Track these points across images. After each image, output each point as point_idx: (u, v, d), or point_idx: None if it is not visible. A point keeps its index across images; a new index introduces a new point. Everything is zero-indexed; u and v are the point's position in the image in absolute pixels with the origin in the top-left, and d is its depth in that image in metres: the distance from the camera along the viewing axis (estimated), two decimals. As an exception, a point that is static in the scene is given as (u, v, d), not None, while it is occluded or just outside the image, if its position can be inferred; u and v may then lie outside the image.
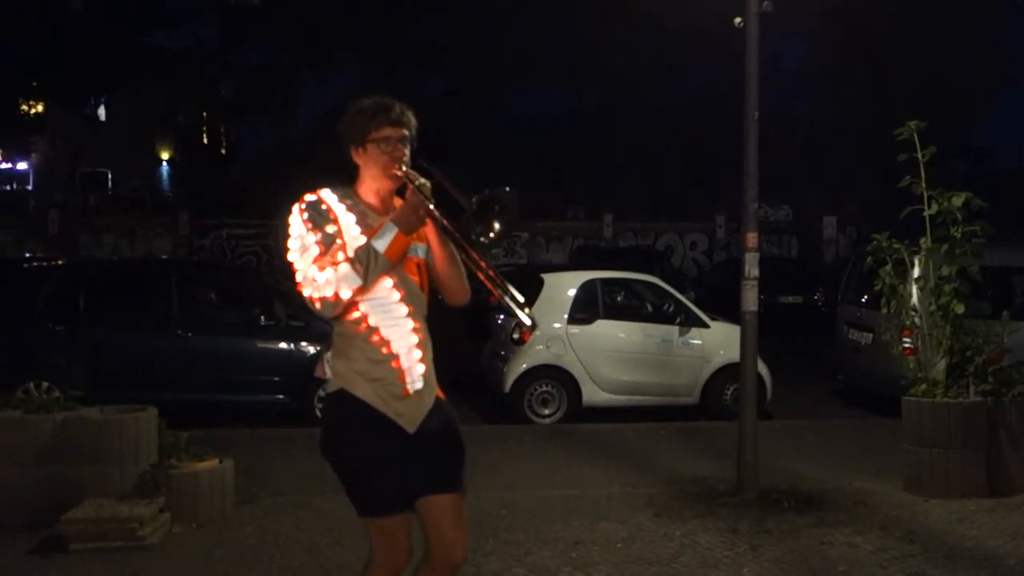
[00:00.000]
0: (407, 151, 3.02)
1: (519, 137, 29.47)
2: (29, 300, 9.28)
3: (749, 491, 6.08)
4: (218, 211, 25.21)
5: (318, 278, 2.86)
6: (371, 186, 3.05)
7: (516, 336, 9.44)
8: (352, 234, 2.95)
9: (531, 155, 28.74)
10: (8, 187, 33.29)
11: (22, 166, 33.41)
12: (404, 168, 2.98)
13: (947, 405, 6.20)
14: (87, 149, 30.52)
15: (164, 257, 22.93)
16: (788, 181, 23.37)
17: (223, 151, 31.57)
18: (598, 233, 25.83)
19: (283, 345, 9.11)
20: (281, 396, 9.04)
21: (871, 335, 9.63)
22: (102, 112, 30.99)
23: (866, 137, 21.13)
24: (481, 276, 3.03)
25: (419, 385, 3.03)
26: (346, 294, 2.88)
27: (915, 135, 6.52)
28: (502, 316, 10.28)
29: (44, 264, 12.38)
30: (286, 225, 2.99)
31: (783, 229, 26.66)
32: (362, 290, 2.90)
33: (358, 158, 3.03)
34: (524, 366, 9.33)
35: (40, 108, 26.78)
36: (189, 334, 9.08)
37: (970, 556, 5.04)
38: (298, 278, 2.91)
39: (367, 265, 2.86)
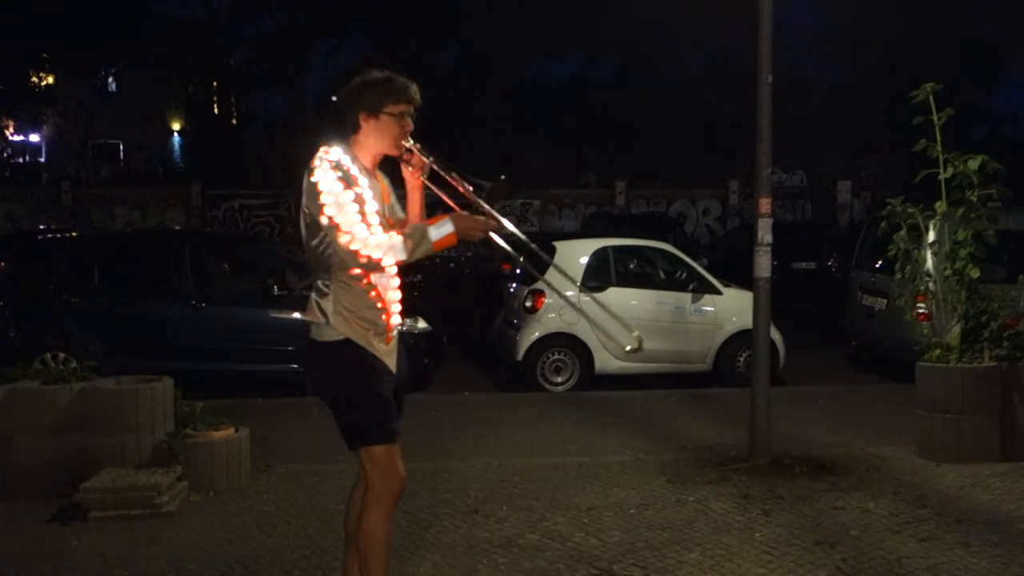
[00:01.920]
0: (412, 126, 3.38)
1: (532, 104, 29.30)
2: (44, 272, 9.35)
3: (761, 457, 6.09)
4: (230, 182, 25.24)
5: (370, 240, 3.20)
6: (371, 150, 3.37)
7: (528, 304, 9.45)
8: (367, 196, 3.26)
9: (544, 122, 28.59)
10: (21, 159, 33.40)
11: (34, 138, 33.48)
12: (411, 141, 3.35)
13: (961, 370, 6.18)
14: (98, 121, 30.53)
15: (177, 228, 23.03)
16: (802, 146, 23.13)
17: (234, 121, 31.54)
18: (611, 200, 25.75)
19: (296, 315, 9.11)
20: (295, 366, 9.09)
21: (885, 300, 9.60)
22: (112, 83, 30.96)
23: (882, 101, 20.85)
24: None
25: (395, 333, 3.46)
26: (388, 261, 3.26)
27: (931, 98, 6.43)
28: (514, 285, 10.29)
29: (58, 236, 12.46)
30: (310, 177, 3.22)
31: (797, 194, 26.47)
32: (402, 262, 3.28)
33: (366, 124, 3.34)
34: (537, 334, 9.35)
35: (51, 80, 26.77)
36: (203, 305, 9.13)
37: (983, 520, 5.04)
38: (344, 231, 3.17)
39: (416, 246, 3.24)
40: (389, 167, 3.51)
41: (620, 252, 10.07)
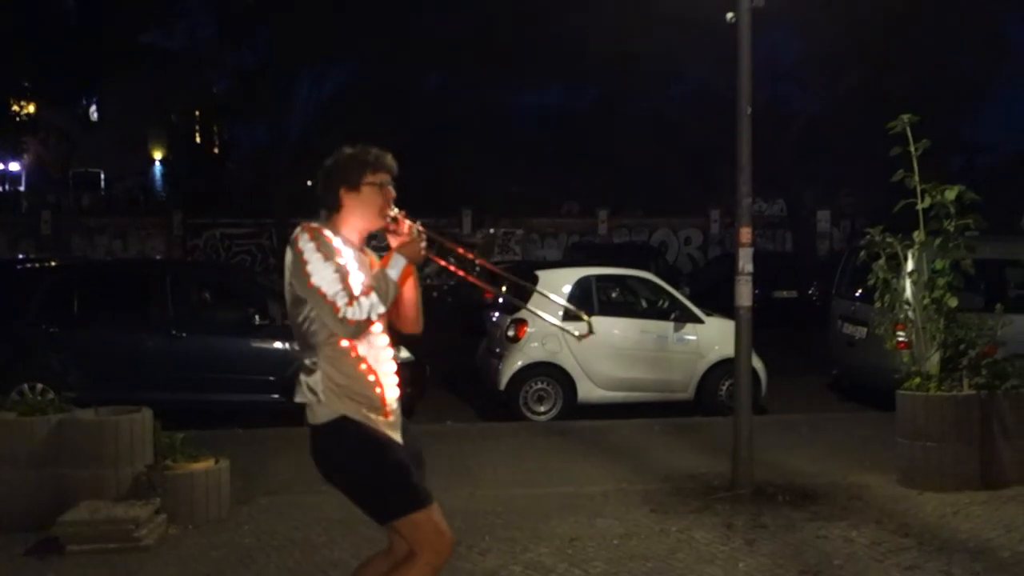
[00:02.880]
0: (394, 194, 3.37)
1: (514, 133, 29.44)
2: (23, 301, 9.26)
3: (744, 486, 6.09)
4: (211, 211, 25.17)
5: (354, 304, 3.10)
6: (356, 225, 3.31)
7: (511, 333, 9.44)
8: (352, 268, 3.19)
9: (526, 151, 28.73)
10: (0, 188, 33.20)
11: (14, 167, 33.30)
12: (396, 210, 3.33)
13: (941, 398, 6.22)
14: (80, 149, 30.44)
15: (158, 257, 22.92)
16: (782, 175, 23.37)
17: (216, 150, 31.51)
18: (593, 229, 25.87)
19: (278, 344, 9.09)
20: (276, 396, 9.02)
21: (865, 329, 9.66)
22: (94, 112, 30.90)
23: (861, 131, 21.13)
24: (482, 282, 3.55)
25: (395, 407, 3.30)
26: (375, 317, 3.15)
27: (908, 128, 6.53)
28: (497, 313, 10.29)
29: (37, 265, 12.36)
30: (296, 251, 3.17)
31: (777, 224, 26.69)
32: (382, 316, 3.19)
33: (348, 199, 3.28)
34: (519, 363, 9.34)
35: (32, 108, 26.69)
36: (183, 334, 9.07)
37: (964, 549, 5.06)
38: (330, 301, 3.09)
39: (387, 291, 3.17)
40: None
41: (603, 281, 10.10)
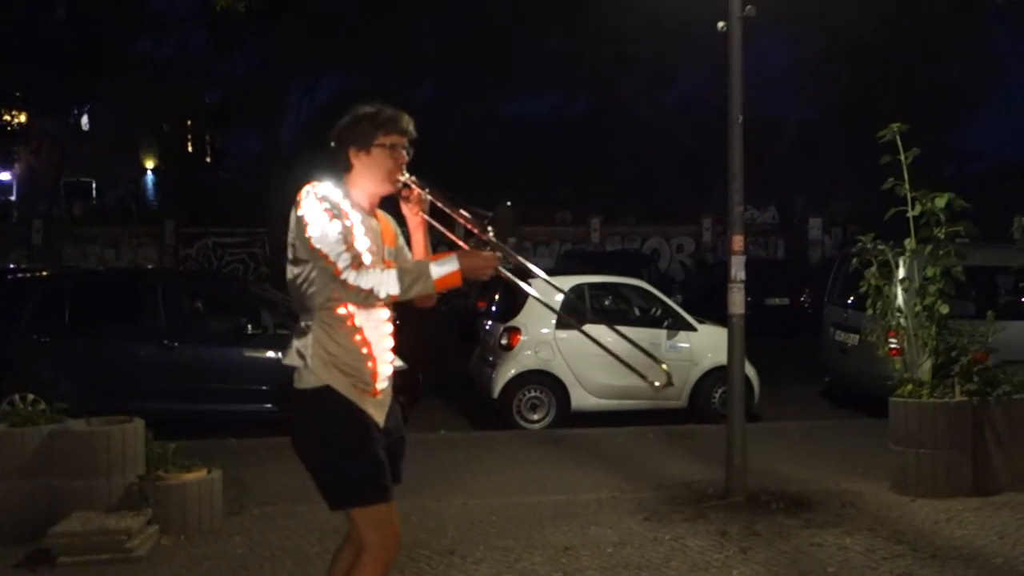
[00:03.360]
0: (407, 159, 3.17)
1: (506, 142, 29.51)
2: (14, 311, 9.22)
3: (738, 494, 6.09)
4: (204, 220, 25.12)
5: (361, 270, 2.96)
6: (366, 188, 3.15)
7: (504, 341, 9.44)
8: (359, 232, 3.05)
9: (518, 160, 28.78)
10: (-9, 197, 33.08)
11: (5, 176, 33.20)
12: (407, 174, 3.14)
13: (933, 405, 6.23)
14: (71, 158, 30.37)
15: (150, 267, 22.85)
16: (774, 183, 23.45)
17: (208, 159, 31.46)
18: (585, 237, 25.88)
19: (270, 354, 9.07)
20: (269, 405, 9.00)
21: (857, 336, 9.68)
22: (85, 121, 30.84)
23: (852, 139, 21.24)
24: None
25: (384, 385, 3.16)
26: (382, 295, 2.98)
27: (898, 137, 6.56)
28: (490, 322, 10.29)
29: (29, 275, 12.31)
30: (297, 211, 3.05)
31: (769, 231, 26.75)
32: (396, 299, 3.00)
33: (358, 160, 3.14)
34: (513, 371, 9.33)
35: (23, 118, 26.63)
36: (176, 344, 9.04)
37: (958, 556, 5.06)
38: (329, 259, 2.96)
39: (414, 283, 2.98)
40: (393, 208, 3.30)
41: (596, 289, 10.12)
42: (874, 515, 5.81)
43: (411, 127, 3.18)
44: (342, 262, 2.95)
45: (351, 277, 2.95)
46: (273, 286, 11.96)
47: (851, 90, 21.94)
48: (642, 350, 3.31)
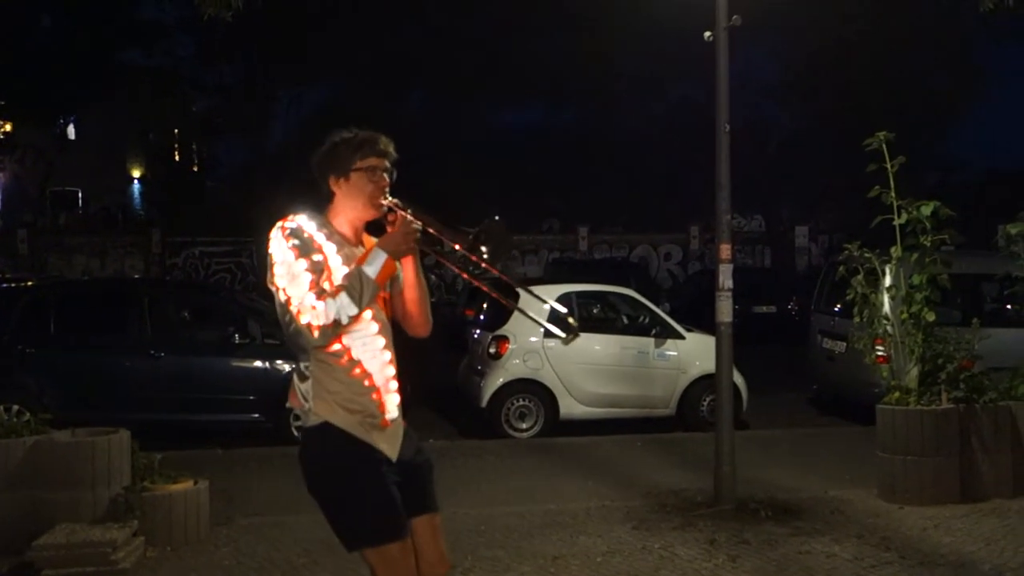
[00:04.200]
0: (388, 182, 3.06)
1: (494, 150, 29.54)
2: (-2, 322, 9.16)
3: (727, 502, 6.09)
4: (191, 229, 25.04)
5: (317, 306, 2.86)
6: (348, 216, 3.06)
7: (492, 350, 9.43)
8: (335, 263, 2.96)
9: (506, 168, 28.82)
10: (-24, 207, 32.84)
11: (-9, 185, 33.00)
12: (389, 198, 3.03)
13: (920, 412, 6.26)
14: (57, 167, 30.22)
15: (136, 276, 22.75)
16: (761, 191, 23.55)
17: (195, 169, 31.36)
18: (573, 246, 25.92)
19: (258, 363, 9.04)
20: (256, 415, 8.96)
21: (844, 344, 9.71)
22: (71, 130, 30.70)
23: (838, 148, 21.37)
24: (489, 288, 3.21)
25: (394, 415, 3.08)
26: (345, 321, 2.89)
27: (884, 146, 6.60)
28: (478, 331, 10.27)
29: (14, 285, 12.23)
30: (267, 250, 2.97)
31: (756, 239, 26.85)
32: (357, 317, 2.93)
33: (338, 188, 3.05)
34: (501, 380, 9.32)
35: (8, 127, 26.50)
36: (162, 354, 8.99)
37: (945, 562, 5.08)
38: (293, 306, 2.88)
39: (360, 291, 2.90)
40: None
41: (584, 297, 10.12)
42: (862, 522, 5.82)
43: (391, 148, 3.07)
44: (305, 304, 2.86)
45: (313, 319, 2.85)
46: (260, 296, 11.90)
47: (837, 99, 22.08)
48: (542, 299, 3.26)
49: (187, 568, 5.12)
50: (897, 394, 6.42)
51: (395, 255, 2.97)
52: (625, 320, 10.16)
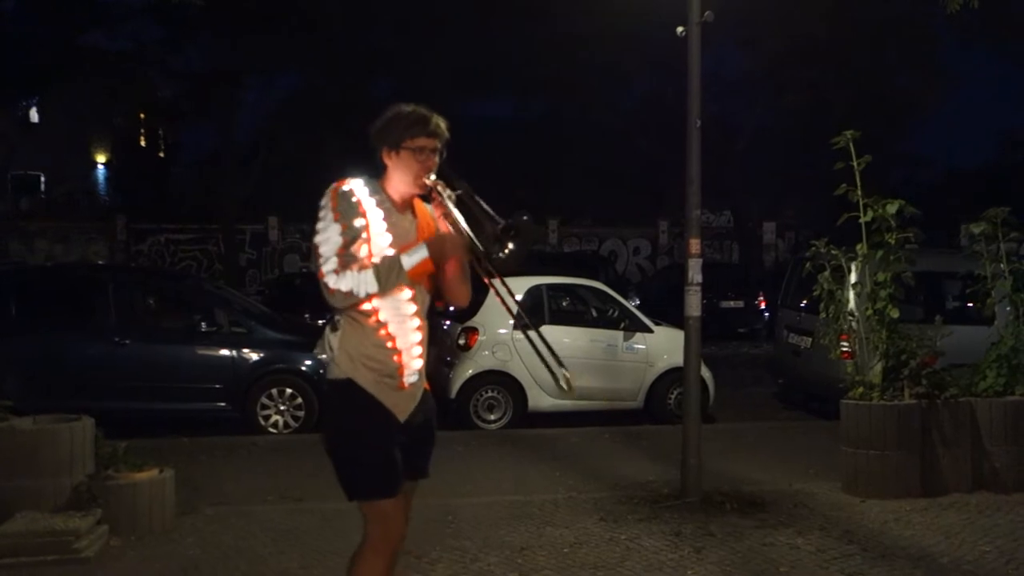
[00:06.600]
0: (437, 162, 3.21)
1: (463, 143, 29.48)
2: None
3: (693, 494, 6.15)
4: (156, 215, 24.73)
5: (340, 272, 3.03)
6: (397, 187, 3.22)
7: (462, 341, 9.43)
8: (378, 229, 3.12)
9: (475, 161, 28.81)
10: (-64, 191, 32.19)
11: (-50, 169, 32.34)
12: (433, 178, 3.19)
13: (883, 408, 6.35)
14: (18, 151, 29.69)
15: (100, 263, 22.43)
16: (729, 187, 23.72)
17: (161, 154, 30.97)
18: (543, 238, 25.93)
19: (224, 352, 8.97)
20: (223, 404, 8.89)
21: (810, 339, 9.82)
22: (34, 113, 30.16)
23: (804, 145, 21.57)
24: (494, 291, 3.30)
25: (414, 379, 3.24)
26: (363, 295, 3.06)
27: (851, 144, 6.67)
28: (448, 322, 10.26)
29: (-26, 270, 12.02)
30: (317, 207, 3.12)
31: (724, 235, 27.05)
32: (377, 295, 3.09)
33: (389, 160, 3.20)
34: (470, 372, 9.33)
35: (-33, 110, 25.96)
36: (127, 341, 8.88)
37: (906, 555, 5.16)
38: (320, 262, 3.05)
39: (388, 276, 3.06)
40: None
41: (553, 290, 10.14)
42: (825, 515, 5.90)
43: (442, 129, 3.20)
44: (328, 266, 3.03)
45: (331, 281, 3.03)
46: (227, 284, 11.78)
47: (804, 96, 22.28)
48: (553, 354, 3.38)
49: (151, 558, 5.07)
50: (861, 389, 6.51)
51: (434, 257, 3.11)
52: (594, 313, 10.20)
